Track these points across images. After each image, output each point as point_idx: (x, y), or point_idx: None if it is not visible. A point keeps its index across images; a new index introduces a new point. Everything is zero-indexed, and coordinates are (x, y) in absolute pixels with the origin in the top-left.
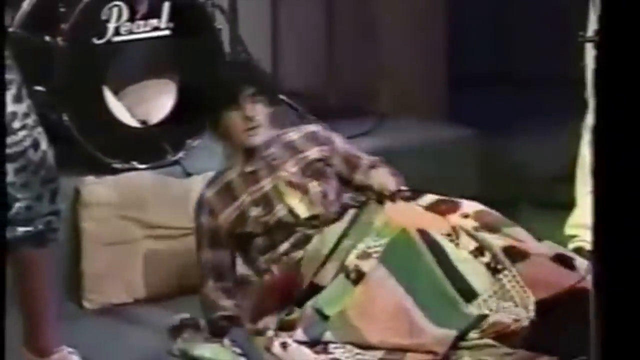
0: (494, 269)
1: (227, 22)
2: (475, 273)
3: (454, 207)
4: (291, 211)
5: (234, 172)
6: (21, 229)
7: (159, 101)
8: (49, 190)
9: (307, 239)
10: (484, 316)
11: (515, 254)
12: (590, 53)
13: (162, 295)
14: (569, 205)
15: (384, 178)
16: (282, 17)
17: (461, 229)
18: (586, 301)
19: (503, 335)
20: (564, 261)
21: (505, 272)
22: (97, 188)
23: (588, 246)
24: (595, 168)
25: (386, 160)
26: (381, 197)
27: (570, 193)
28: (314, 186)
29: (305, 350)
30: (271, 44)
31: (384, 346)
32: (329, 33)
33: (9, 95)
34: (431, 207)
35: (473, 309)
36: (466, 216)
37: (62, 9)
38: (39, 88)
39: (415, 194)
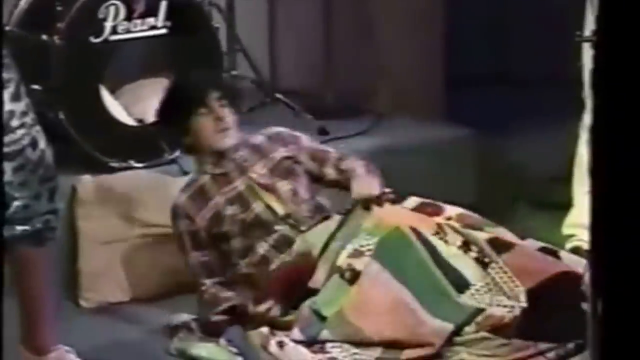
0: (482, 263)
1: (224, 20)
2: (466, 267)
3: (438, 210)
4: (269, 207)
5: (206, 176)
6: (19, 228)
7: (155, 100)
8: (47, 189)
9: (287, 241)
10: (480, 310)
11: (499, 245)
12: (587, 53)
13: (159, 294)
14: (567, 205)
15: (366, 185)
16: (279, 16)
17: (447, 225)
18: (575, 286)
19: (497, 327)
20: (548, 252)
21: (493, 264)
22: (93, 187)
23: (585, 246)
24: (592, 168)
25: (380, 159)
26: (367, 204)
27: (568, 193)
28: (283, 185)
29: (302, 350)
30: (268, 43)
31: (383, 341)
32: (327, 32)
33: (7, 93)
34: (416, 210)
35: (466, 299)
36: (449, 218)
37: (59, 8)
38: (35, 87)
39: (399, 196)
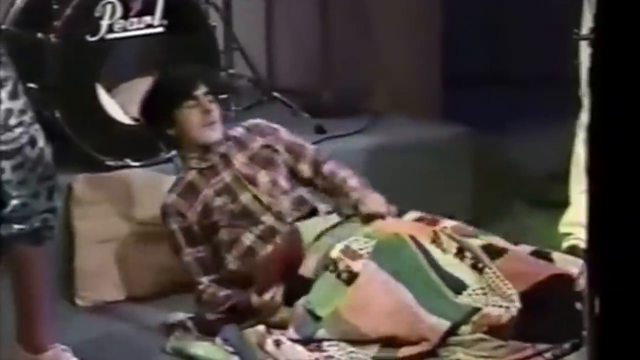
0: (477, 269)
1: (221, 19)
2: (462, 273)
3: (434, 222)
4: (256, 197)
5: (192, 171)
6: (17, 227)
7: None
8: (46, 187)
9: (272, 232)
10: (476, 309)
11: (493, 251)
12: (585, 51)
13: (155, 292)
14: (564, 203)
15: (375, 203)
16: (276, 14)
17: (442, 233)
18: (567, 287)
19: (494, 329)
20: (540, 255)
21: (487, 270)
22: (90, 186)
23: (582, 244)
24: (590, 166)
25: (377, 158)
26: (371, 219)
27: (565, 191)
28: (262, 176)
29: (299, 348)
30: (266, 41)
31: (380, 338)
32: (324, 30)
33: (5, 92)
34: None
35: (463, 299)
36: (444, 228)
37: (55, 6)
38: (31, 85)
39: (399, 211)
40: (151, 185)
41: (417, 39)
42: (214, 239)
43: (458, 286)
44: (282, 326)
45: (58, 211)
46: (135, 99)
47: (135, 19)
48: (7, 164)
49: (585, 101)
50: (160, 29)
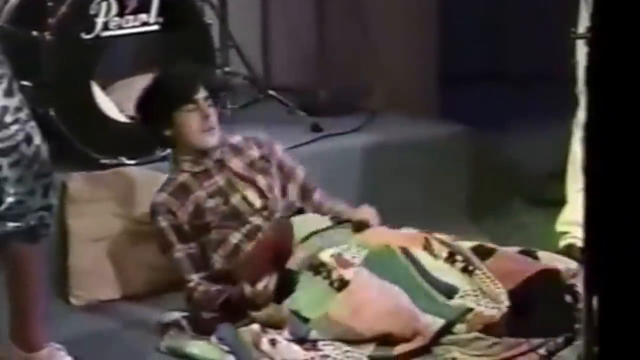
0: (468, 271)
1: (217, 17)
2: (453, 278)
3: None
4: (245, 199)
5: (185, 174)
6: (12, 224)
7: None
8: (42, 185)
9: (258, 231)
10: (469, 309)
11: (483, 252)
12: (582, 50)
13: (150, 291)
14: (561, 202)
15: (367, 214)
16: (272, 12)
17: (433, 239)
18: (554, 282)
19: (488, 327)
20: (527, 254)
21: (477, 271)
22: (84, 184)
23: (579, 243)
24: (586, 165)
25: (374, 156)
26: (362, 228)
27: (562, 190)
28: (260, 178)
29: (295, 347)
30: (261, 39)
31: (376, 336)
32: (320, 28)
33: (0, 90)
34: None
35: (455, 302)
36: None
37: (50, 3)
38: (26, 83)
39: (394, 226)
40: (146, 183)
41: (414, 36)
42: (202, 239)
43: (449, 291)
44: (270, 323)
45: (54, 209)
46: (131, 97)
47: (130, 17)
48: (3, 161)
49: (582, 99)
50: (155, 27)
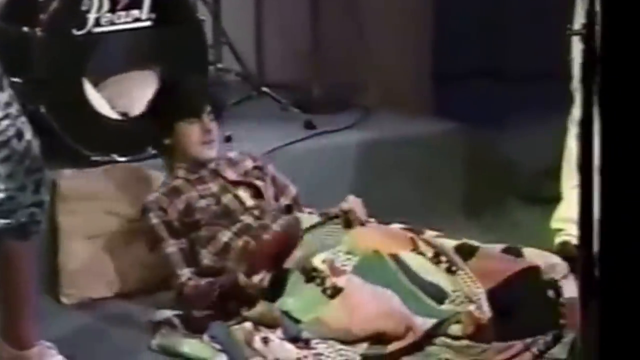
0: (451, 272)
1: (209, 13)
2: (439, 278)
3: (417, 233)
4: (237, 197)
5: (179, 180)
6: (3, 221)
7: (140, 93)
8: (33, 180)
9: (248, 229)
10: (459, 313)
11: (466, 252)
12: (577, 46)
13: (142, 289)
14: (556, 199)
15: (356, 206)
16: (266, 8)
17: (419, 239)
18: (536, 278)
19: (477, 332)
20: (511, 252)
21: (460, 272)
22: (75, 181)
23: (574, 240)
24: (582, 162)
25: (367, 153)
26: (350, 222)
27: (558, 187)
28: (254, 180)
29: (288, 346)
30: (255, 35)
31: (370, 335)
32: (314, 25)
33: None
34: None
35: (446, 307)
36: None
37: None
38: (16, 80)
39: (382, 222)
40: (138, 181)
41: (408, 33)
42: (192, 235)
43: (439, 295)
44: (263, 321)
45: (45, 205)
46: (123, 94)
47: (122, 13)
48: None
49: (577, 96)
50: (148, 23)
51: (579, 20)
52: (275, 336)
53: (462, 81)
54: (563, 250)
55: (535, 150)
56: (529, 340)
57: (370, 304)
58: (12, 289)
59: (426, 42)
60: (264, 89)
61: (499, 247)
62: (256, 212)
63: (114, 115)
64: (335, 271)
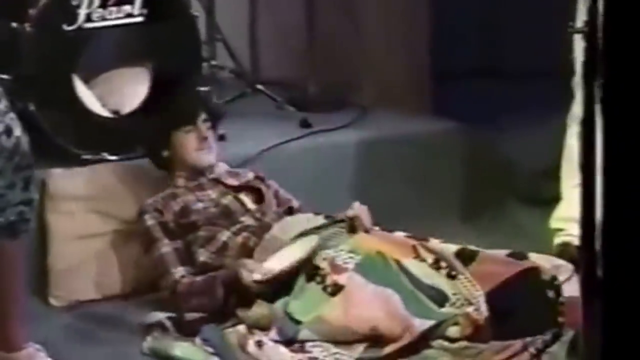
0: (451, 277)
1: (203, 8)
2: (438, 281)
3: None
4: (238, 199)
5: (179, 188)
6: None
7: (131, 90)
8: (22, 178)
9: (247, 228)
10: (457, 315)
11: (466, 257)
12: (579, 45)
13: (133, 292)
14: (556, 199)
15: (362, 214)
16: (260, 3)
17: (420, 246)
18: (536, 278)
19: (475, 333)
20: (516, 257)
21: (460, 276)
22: (65, 181)
23: (574, 240)
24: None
25: (364, 152)
26: (355, 228)
27: (557, 187)
28: (258, 185)
29: (282, 349)
30: (249, 31)
31: (369, 334)
32: (310, 21)
33: None
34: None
35: (446, 310)
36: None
37: None
38: (5, 76)
39: (386, 229)
40: (128, 180)
41: (406, 30)
42: (189, 237)
43: (440, 298)
44: (263, 323)
45: (34, 203)
46: (114, 91)
47: (114, 8)
48: None
49: (578, 93)
50: (140, 19)
51: (581, 17)
52: (269, 338)
53: (459, 79)
54: (563, 251)
55: (534, 149)
56: (527, 339)
57: (371, 302)
58: (0, 289)
59: (424, 40)
60: (259, 86)
61: (503, 252)
62: (258, 215)
63: (105, 113)
64: (336, 269)
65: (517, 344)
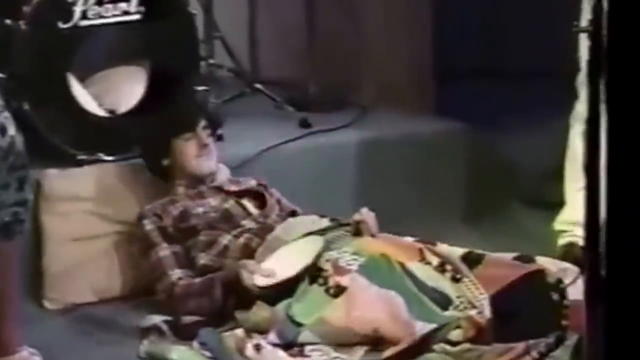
0: (456, 280)
1: (201, 6)
2: (443, 284)
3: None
4: (240, 204)
5: (178, 195)
6: None
7: (128, 89)
8: (17, 178)
9: (246, 230)
10: (459, 318)
11: (472, 260)
12: (584, 44)
13: (129, 295)
14: (559, 202)
15: (368, 218)
16: (260, 1)
17: (426, 249)
18: (541, 280)
19: (477, 336)
20: (522, 259)
21: (464, 279)
22: (60, 181)
23: (580, 241)
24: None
25: (364, 152)
26: (359, 232)
27: (561, 189)
28: (261, 190)
29: (280, 353)
30: (248, 30)
31: (371, 336)
32: (310, 20)
33: None
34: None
35: (449, 313)
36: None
37: None
38: None
39: (390, 232)
40: (125, 181)
41: (407, 30)
42: (189, 242)
43: (444, 301)
44: (263, 326)
45: (29, 204)
46: (110, 90)
47: (110, 5)
48: None
49: (582, 92)
50: (137, 16)
51: (585, 17)
52: (267, 342)
53: (462, 79)
54: (567, 251)
55: (537, 151)
56: (530, 342)
57: (373, 304)
58: None
59: (425, 39)
60: (258, 85)
61: (510, 255)
62: (260, 219)
63: (101, 112)
64: (339, 270)
65: (520, 346)
